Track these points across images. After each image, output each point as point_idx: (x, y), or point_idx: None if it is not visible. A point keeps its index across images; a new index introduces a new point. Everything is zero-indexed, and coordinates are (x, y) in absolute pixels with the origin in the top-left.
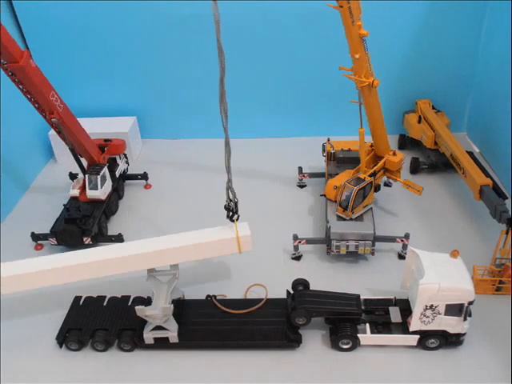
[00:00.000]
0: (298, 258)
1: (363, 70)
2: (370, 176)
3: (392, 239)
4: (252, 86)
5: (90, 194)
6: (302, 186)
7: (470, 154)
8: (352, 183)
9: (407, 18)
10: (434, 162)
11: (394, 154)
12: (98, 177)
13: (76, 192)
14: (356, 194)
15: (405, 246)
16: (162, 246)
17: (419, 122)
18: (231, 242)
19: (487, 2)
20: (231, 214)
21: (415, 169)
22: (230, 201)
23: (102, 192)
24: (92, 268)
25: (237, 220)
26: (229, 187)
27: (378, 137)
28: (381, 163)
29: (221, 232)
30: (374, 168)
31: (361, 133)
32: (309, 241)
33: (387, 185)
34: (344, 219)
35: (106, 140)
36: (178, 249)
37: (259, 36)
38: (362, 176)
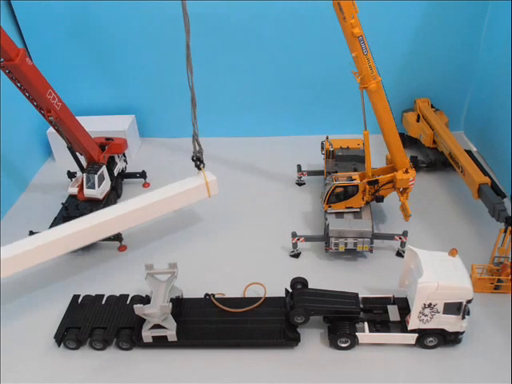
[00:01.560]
0: (296, 255)
1: (362, 70)
2: (371, 183)
3: (390, 237)
4: (251, 84)
5: (87, 192)
6: (300, 183)
7: (469, 152)
8: (339, 179)
9: (406, 17)
10: (432, 160)
11: (407, 171)
12: (96, 176)
13: (75, 190)
14: (333, 189)
15: (403, 244)
16: (142, 203)
17: (418, 120)
18: (201, 188)
19: (487, 1)
20: (198, 163)
21: (414, 167)
22: (198, 152)
23: (99, 191)
24: (75, 237)
25: (203, 168)
26: (195, 140)
27: (389, 145)
28: (388, 176)
29: (191, 181)
30: (378, 177)
31: (365, 135)
32: (307, 238)
33: None
34: (343, 217)
35: (107, 139)
36: (158, 202)
37: (259, 34)
38: (354, 176)
